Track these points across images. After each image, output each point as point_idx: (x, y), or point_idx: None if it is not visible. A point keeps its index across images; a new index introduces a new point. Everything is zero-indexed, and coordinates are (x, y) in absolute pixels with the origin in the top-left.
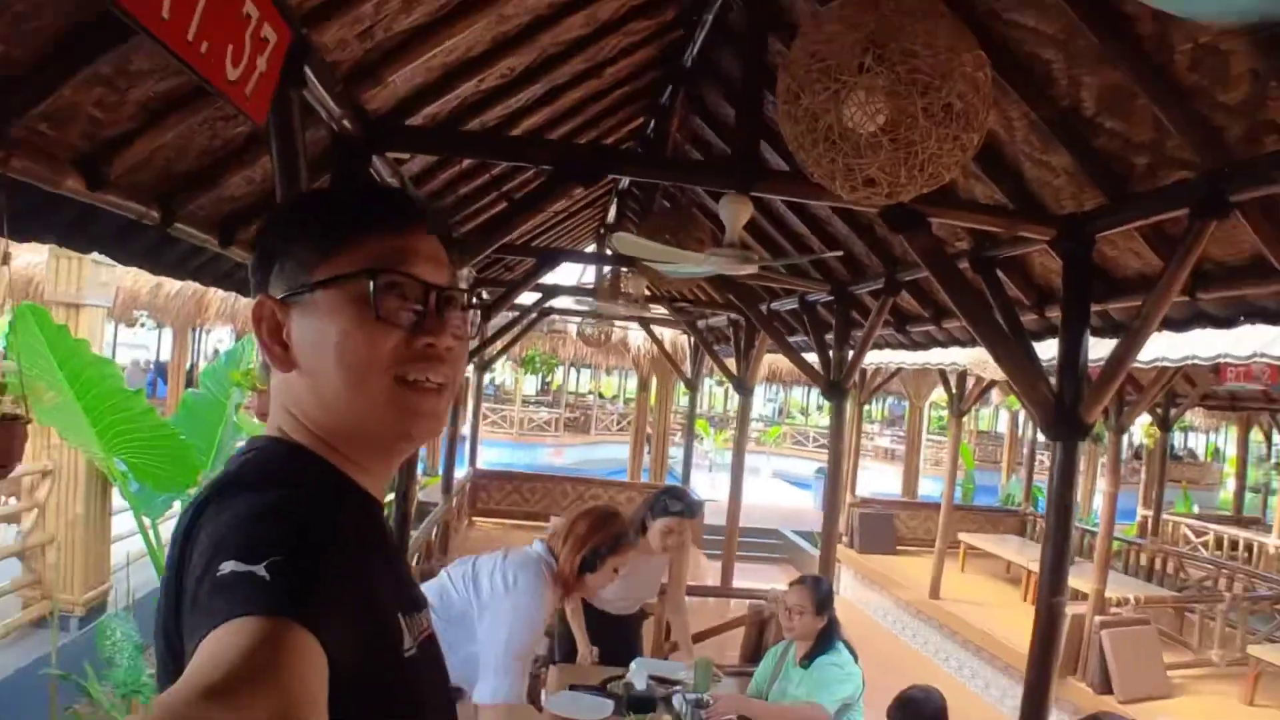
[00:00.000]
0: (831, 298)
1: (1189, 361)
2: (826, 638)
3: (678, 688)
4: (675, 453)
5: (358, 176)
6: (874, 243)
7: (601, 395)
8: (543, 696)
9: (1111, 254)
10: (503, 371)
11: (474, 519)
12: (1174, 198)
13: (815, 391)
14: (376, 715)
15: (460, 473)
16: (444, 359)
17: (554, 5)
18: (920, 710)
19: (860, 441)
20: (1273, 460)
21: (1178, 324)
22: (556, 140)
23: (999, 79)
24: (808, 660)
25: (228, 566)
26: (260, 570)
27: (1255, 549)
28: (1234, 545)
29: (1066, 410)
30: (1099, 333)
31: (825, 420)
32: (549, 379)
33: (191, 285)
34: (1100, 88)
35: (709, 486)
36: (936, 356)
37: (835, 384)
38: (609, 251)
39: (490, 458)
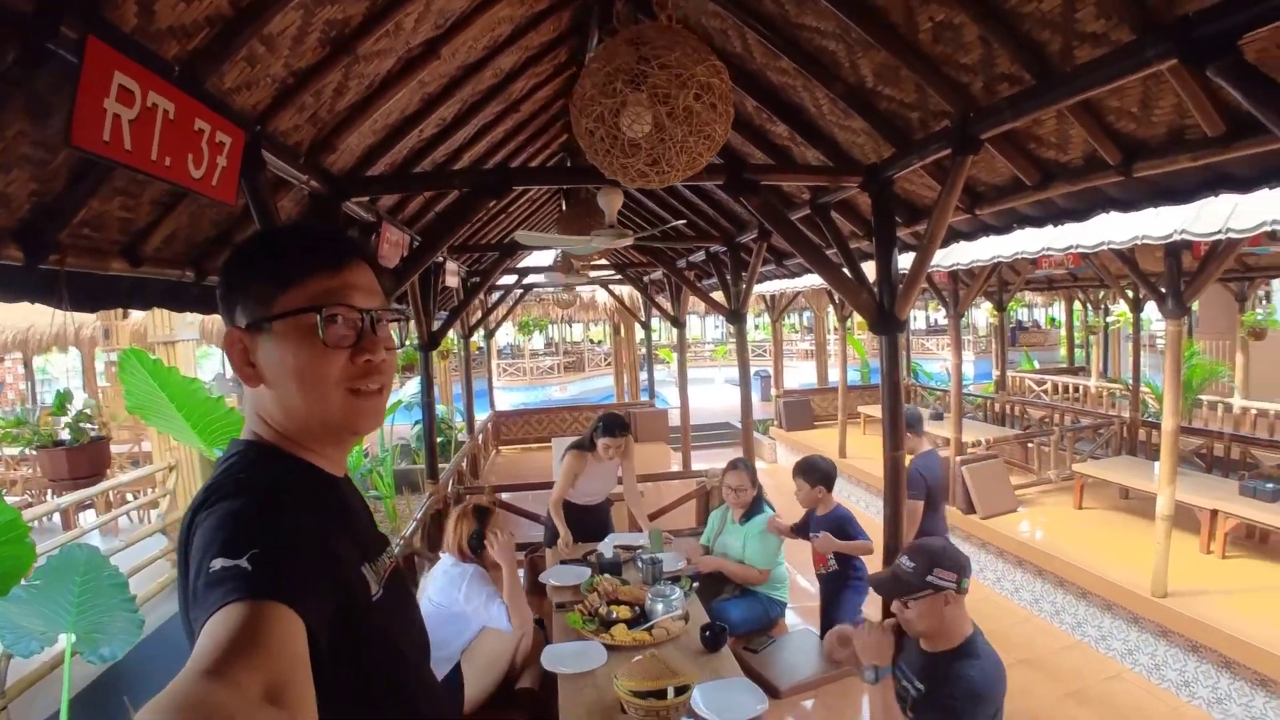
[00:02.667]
0: (725, 248)
1: (996, 260)
2: (757, 502)
3: (638, 551)
4: (658, 374)
5: (333, 220)
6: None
7: (593, 341)
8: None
9: (911, 189)
10: (511, 335)
11: (500, 448)
12: (940, 141)
13: (752, 315)
14: (356, 660)
15: (483, 415)
16: (380, 369)
17: (463, 67)
18: (815, 465)
19: (781, 348)
20: (1087, 324)
21: (967, 235)
22: (471, 168)
23: (803, 71)
24: (745, 518)
25: (217, 563)
26: (244, 563)
27: (1082, 390)
28: (1066, 389)
29: (886, 312)
30: (912, 249)
31: (762, 336)
32: (550, 336)
33: None
34: (874, 65)
35: (674, 396)
36: (806, 281)
37: (735, 312)
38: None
39: (511, 399)
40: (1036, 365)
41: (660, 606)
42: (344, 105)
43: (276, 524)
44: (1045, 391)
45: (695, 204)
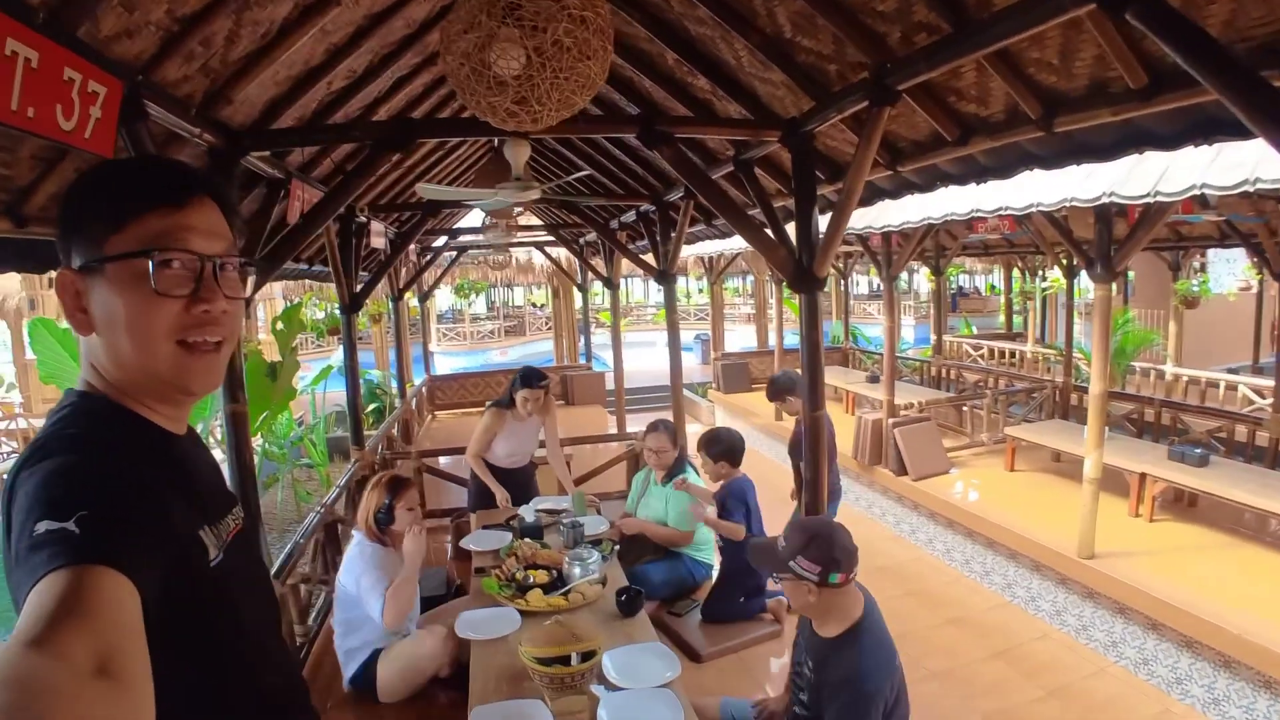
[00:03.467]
0: (654, 207)
1: (926, 221)
2: (679, 463)
3: (563, 514)
4: (598, 339)
5: (230, 177)
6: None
7: (535, 305)
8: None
9: (833, 144)
10: (451, 298)
11: (435, 413)
12: (857, 93)
13: (692, 279)
14: (191, 628)
15: (418, 380)
16: (219, 321)
17: (370, 16)
18: (718, 438)
19: (722, 311)
20: (1023, 289)
21: (890, 193)
22: (374, 121)
23: (720, 21)
24: (668, 479)
25: (42, 526)
26: (70, 525)
27: (1018, 355)
28: (1003, 354)
29: (804, 270)
30: (832, 207)
31: (704, 299)
32: (491, 299)
33: None
34: (790, 15)
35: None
36: (740, 242)
37: (664, 272)
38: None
39: (451, 364)
40: (975, 331)
41: (577, 570)
42: (237, 55)
43: (105, 484)
44: (982, 356)
45: (623, 161)
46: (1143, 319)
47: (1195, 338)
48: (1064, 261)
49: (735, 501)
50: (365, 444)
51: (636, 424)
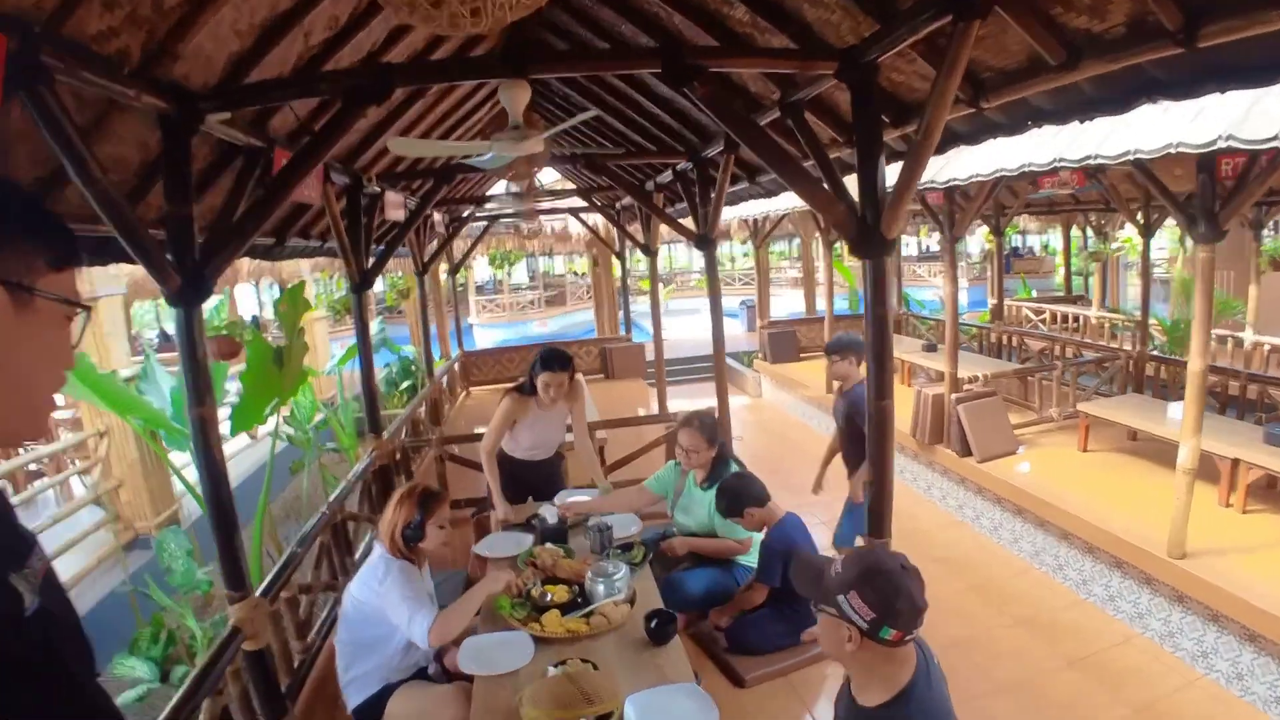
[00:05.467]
0: (691, 164)
1: (998, 174)
2: (722, 462)
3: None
4: (641, 308)
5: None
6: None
7: (575, 273)
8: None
9: (900, 80)
10: (487, 270)
11: (470, 389)
12: (934, 7)
13: (736, 244)
14: (18, 680)
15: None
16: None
17: None
18: (739, 492)
19: (767, 276)
20: (1089, 250)
21: (968, 137)
22: (341, 70)
23: None
24: (708, 483)
25: None
26: None
27: (1082, 320)
28: (1065, 319)
29: (869, 230)
30: (901, 157)
31: (748, 264)
32: (534, 268)
33: None
34: None
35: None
36: (788, 202)
37: (703, 236)
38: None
39: (491, 337)
40: (1034, 294)
41: (601, 588)
42: (174, 2)
43: None
44: (1043, 321)
45: (654, 114)
46: (1221, 283)
47: (1274, 304)
48: (1140, 220)
49: (773, 555)
50: (384, 431)
51: (679, 399)
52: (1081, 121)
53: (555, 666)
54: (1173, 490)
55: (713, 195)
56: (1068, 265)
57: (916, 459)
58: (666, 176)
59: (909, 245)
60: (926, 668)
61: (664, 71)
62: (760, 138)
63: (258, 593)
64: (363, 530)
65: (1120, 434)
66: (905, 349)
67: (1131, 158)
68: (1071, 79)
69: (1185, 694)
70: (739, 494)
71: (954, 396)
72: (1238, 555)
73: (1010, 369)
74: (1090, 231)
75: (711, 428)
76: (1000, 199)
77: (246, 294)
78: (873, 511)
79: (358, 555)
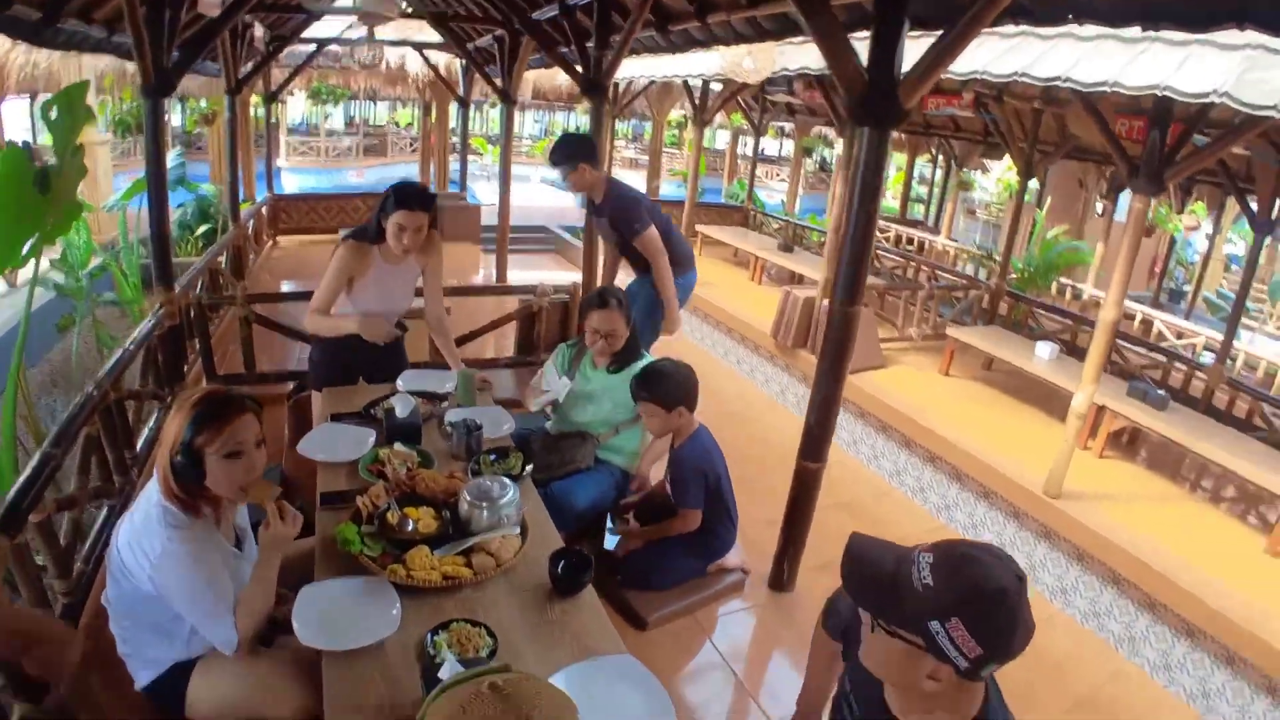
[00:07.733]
0: None
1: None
2: (631, 348)
3: (445, 404)
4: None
5: None
6: None
7: (398, 124)
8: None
9: None
10: (305, 108)
11: (277, 239)
12: None
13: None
14: None
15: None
16: None
17: None
18: (664, 373)
19: (611, 154)
20: (961, 178)
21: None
22: None
23: None
24: (616, 366)
25: None
26: None
27: (928, 246)
28: (909, 241)
29: (881, 93)
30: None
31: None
32: (352, 114)
33: None
34: None
35: (489, 193)
36: (695, 64)
37: (594, 81)
38: None
39: (301, 183)
40: None
41: (484, 514)
42: None
43: None
44: (887, 239)
45: None
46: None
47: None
48: (1018, 163)
49: (691, 474)
50: (176, 283)
51: (514, 269)
52: (1144, 29)
53: (438, 636)
54: (1036, 425)
55: (617, 38)
56: (907, 189)
57: (773, 360)
58: (550, 11)
59: (744, 144)
60: (998, 689)
61: None
62: None
63: None
64: (147, 413)
65: (975, 362)
66: (759, 245)
67: (1111, 88)
68: None
69: (1043, 630)
70: (678, 385)
71: (825, 301)
72: (1102, 500)
73: (880, 284)
74: (942, 160)
75: (628, 308)
76: None
77: (18, 112)
78: (813, 435)
79: (139, 445)
